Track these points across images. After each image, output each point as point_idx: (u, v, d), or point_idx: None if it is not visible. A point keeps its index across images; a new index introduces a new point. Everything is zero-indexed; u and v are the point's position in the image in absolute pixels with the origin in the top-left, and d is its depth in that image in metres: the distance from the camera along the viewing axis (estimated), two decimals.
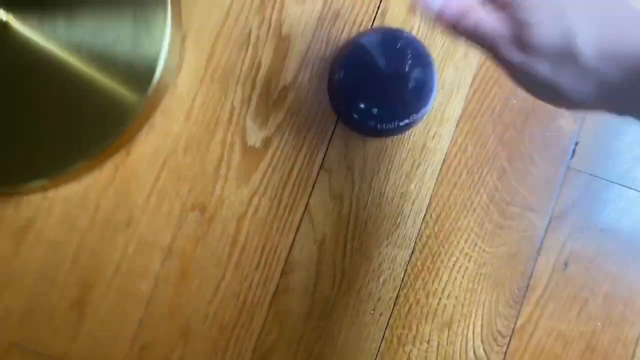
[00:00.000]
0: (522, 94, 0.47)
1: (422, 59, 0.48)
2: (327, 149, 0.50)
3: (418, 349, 0.48)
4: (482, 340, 0.48)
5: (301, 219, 0.50)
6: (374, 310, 0.49)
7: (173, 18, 0.48)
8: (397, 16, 0.51)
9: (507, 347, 0.48)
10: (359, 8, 0.51)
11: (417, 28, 0.51)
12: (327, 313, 0.49)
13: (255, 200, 0.50)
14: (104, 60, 0.48)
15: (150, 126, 0.49)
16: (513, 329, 0.49)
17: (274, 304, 0.49)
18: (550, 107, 0.49)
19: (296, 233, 0.49)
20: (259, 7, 0.51)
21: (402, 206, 0.50)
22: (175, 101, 0.50)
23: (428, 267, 0.49)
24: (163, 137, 0.50)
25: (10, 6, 0.47)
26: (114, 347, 0.49)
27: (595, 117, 0.50)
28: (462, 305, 0.49)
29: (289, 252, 0.49)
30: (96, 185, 0.49)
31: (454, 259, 0.49)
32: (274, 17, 0.51)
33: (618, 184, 0.50)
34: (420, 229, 0.49)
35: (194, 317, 0.49)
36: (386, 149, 0.50)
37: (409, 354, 0.48)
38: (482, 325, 0.49)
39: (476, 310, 0.49)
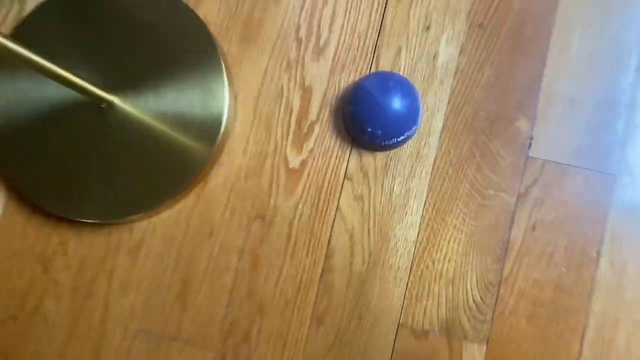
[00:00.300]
0: (487, 106, 0.65)
1: (409, 91, 0.67)
2: (347, 163, 0.69)
3: (431, 302, 0.66)
4: (478, 290, 0.65)
5: (334, 217, 0.68)
6: (395, 278, 0.66)
7: (229, 84, 0.67)
8: (387, 63, 0.69)
9: (498, 293, 0.65)
10: (359, 59, 0.70)
11: (403, 70, 0.69)
12: (361, 283, 0.67)
13: (300, 207, 0.68)
14: (183, 121, 0.67)
15: (220, 163, 0.68)
16: (500, 279, 0.66)
17: (322, 280, 0.67)
18: (510, 114, 0.67)
19: (332, 227, 0.68)
20: (286, 67, 0.70)
21: (407, 199, 0.68)
22: (235, 143, 0.69)
23: (431, 241, 0.67)
24: (229, 170, 0.69)
25: (113, 89, 0.67)
26: (210, 325, 0.67)
27: (545, 118, 0.67)
28: (460, 266, 0.66)
29: (329, 242, 0.68)
30: (185, 209, 0.68)
31: (449, 233, 0.67)
32: (298, 73, 0.70)
33: (565, 164, 0.67)
34: (422, 214, 0.67)
35: (266, 297, 0.67)
36: (390, 159, 0.68)
37: (425, 307, 0.66)
38: (476, 279, 0.66)
39: (471, 269, 0.66)
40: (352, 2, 0.70)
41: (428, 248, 0.67)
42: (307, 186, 0.68)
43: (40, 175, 0.67)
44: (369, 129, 0.66)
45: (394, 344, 0.65)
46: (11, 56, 0.49)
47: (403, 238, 0.67)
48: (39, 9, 0.70)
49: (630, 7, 0.68)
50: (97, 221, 0.67)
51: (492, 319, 0.65)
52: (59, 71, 0.56)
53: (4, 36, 0.47)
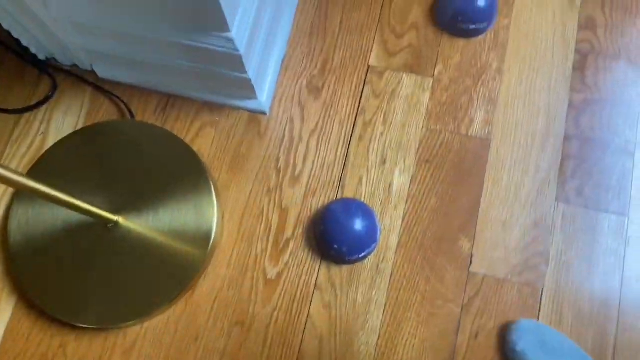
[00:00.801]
0: (434, 228, 0.78)
1: (369, 214, 0.80)
2: (317, 275, 0.80)
3: None
4: None
5: (305, 323, 0.78)
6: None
7: (217, 205, 0.80)
8: (351, 189, 0.83)
9: None
10: (327, 187, 0.83)
11: (364, 196, 0.83)
12: None
13: (276, 314, 0.78)
14: (179, 234, 0.79)
15: (207, 274, 0.79)
16: None
17: None
18: (453, 235, 0.80)
19: (303, 332, 0.77)
20: (267, 192, 0.83)
21: (369, 307, 0.78)
22: (220, 255, 0.80)
23: (389, 346, 0.76)
24: (214, 280, 0.79)
25: (119, 210, 0.79)
26: None
27: (483, 239, 0.80)
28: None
29: (300, 346, 0.77)
30: (174, 315, 0.78)
31: (405, 338, 0.77)
32: (277, 196, 0.83)
33: (501, 278, 0.79)
34: (382, 321, 0.77)
35: None
36: (354, 271, 0.80)
37: None
38: None
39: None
40: (322, 140, 0.85)
41: (387, 352, 0.76)
42: (282, 295, 0.79)
43: (48, 285, 0.77)
44: (336, 246, 0.78)
45: None
46: (31, 192, 0.61)
47: (365, 342, 0.77)
48: (59, 143, 0.84)
49: (547, 141, 0.84)
50: (95, 327, 0.76)
51: None
52: (72, 201, 0.67)
53: (23, 175, 0.58)
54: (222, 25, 0.66)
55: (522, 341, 0.72)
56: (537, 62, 0.87)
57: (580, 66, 0.87)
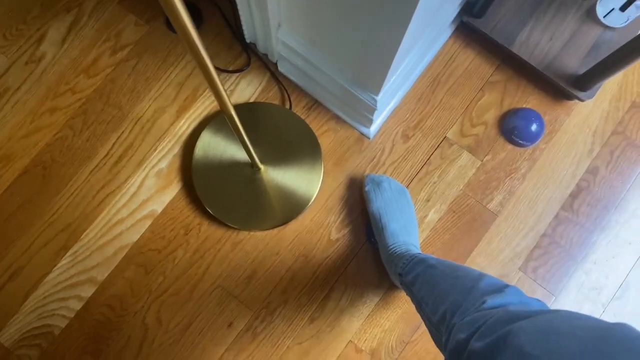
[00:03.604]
0: (438, 254, 1.25)
1: None
2: (360, 248, 1.27)
3: None
4: None
5: (343, 271, 1.26)
6: None
7: (321, 182, 1.26)
8: None
9: None
10: None
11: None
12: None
13: (327, 259, 1.26)
14: (292, 190, 1.25)
15: (297, 219, 1.27)
16: None
17: None
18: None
19: (339, 276, 1.26)
20: (349, 187, 1.29)
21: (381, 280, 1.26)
22: (309, 212, 1.27)
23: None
24: (300, 225, 1.27)
25: (262, 162, 1.25)
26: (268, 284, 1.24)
27: None
28: None
29: (333, 284, 1.25)
30: (270, 235, 1.26)
31: None
32: (354, 192, 1.29)
33: None
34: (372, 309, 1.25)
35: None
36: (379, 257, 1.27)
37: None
38: None
39: None
40: (396, 170, 1.30)
41: None
42: (335, 251, 1.26)
43: (210, 190, 1.25)
44: (372, 239, 1.25)
45: None
46: (228, 118, 1.06)
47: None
48: (237, 105, 1.30)
49: (531, 231, 1.28)
50: (230, 224, 1.24)
51: None
52: (246, 140, 1.13)
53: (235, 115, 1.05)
54: (375, 90, 1.11)
55: None
56: (549, 180, 1.30)
57: (574, 195, 1.30)
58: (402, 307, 1.24)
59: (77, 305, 1.23)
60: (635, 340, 0.43)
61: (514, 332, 0.51)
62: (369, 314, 1.24)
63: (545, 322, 0.51)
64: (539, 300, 0.69)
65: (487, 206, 1.29)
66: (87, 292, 1.23)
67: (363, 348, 1.22)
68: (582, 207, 1.29)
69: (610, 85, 1.33)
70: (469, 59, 1.34)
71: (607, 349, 0.43)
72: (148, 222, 1.26)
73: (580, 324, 0.48)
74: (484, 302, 0.67)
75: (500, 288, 0.72)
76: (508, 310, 0.60)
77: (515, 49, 1.26)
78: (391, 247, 1.10)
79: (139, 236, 1.26)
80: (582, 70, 1.24)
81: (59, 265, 1.24)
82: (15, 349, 1.21)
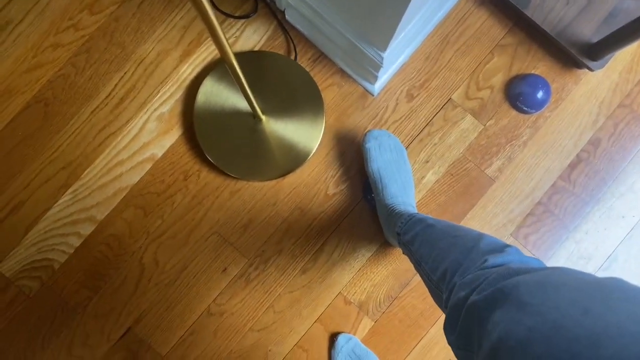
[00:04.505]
0: (433, 214, 1.26)
1: None
2: (357, 204, 1.28)
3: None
4: None
5: (337, 226, 1.28)
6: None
7: (322, 136, 1.26)
8: None
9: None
10: None
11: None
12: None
13: (322, 213, 1.28)
14: (293, 142, 1.26)
15: (295, 173, 1.28)
16: None
17: None
18: None
19: (333, 231, 1.28)
20: (350, 144, 1.29)
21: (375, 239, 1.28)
22: (308, 166, 1.28)
23: None
24: (298, 178, 1.28)
25: (264, 112, 1.25)
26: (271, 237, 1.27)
27: None
28: None
29: (328, 237, 1.28)
30: (267, 186, 1.27)
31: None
32: (354, 148, 1.29)
33: None
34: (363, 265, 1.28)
35: None
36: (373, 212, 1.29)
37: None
38: None
39: None
40: (397, 129, 1.30)
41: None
42: (331, 205, 1.28)
43: (212, 138, 1.25)
44: (369, 197, 1.26)
45: None
46: (229, 66, 1.05)
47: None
48: (241, 53, 1.28)
49: (526, 199, 1.29)
50: (229, 173, 1.25)
51: None
52: (247, 89, 1.13)
53: (236, 63, 1.04)
54: (382, 46, 1.09)
55: None
56: (550, 149, 1.30)
57: (573, 165, 1.30)
58: (393, 264, 1.27)
59: (76, 242, 1.26)
60: (628, 290, 0.46)
61: (514, 284, 0.53)
62: (360, 268, 1.27)
63: (544, 276, 0.53)
64: (539, 260, 0.71)
65: (485, 171, 1.29)
66: (87, 230, 1.26)
67: (352, 300, 1.26)
68: (579, 178, 1.30)
69: (623, 56, 1.31)
70: (480, 20, 1.31)
71: (602, 295, 0.45)
72: (148, 166, 1.27)
73: (578, 276, 0.51)
74: (485, 261, 0.69)
75: (501, 247, 0.73)
76: (509, 267, 0.62)
77: (529, 12, 1.23)
78: (390, 206, 1.11)
79: (138, 178, 1.27)
80: (595, 39, 1.21)
81: (60, 202, 1.26)
82: (16, 279, 1.25)
